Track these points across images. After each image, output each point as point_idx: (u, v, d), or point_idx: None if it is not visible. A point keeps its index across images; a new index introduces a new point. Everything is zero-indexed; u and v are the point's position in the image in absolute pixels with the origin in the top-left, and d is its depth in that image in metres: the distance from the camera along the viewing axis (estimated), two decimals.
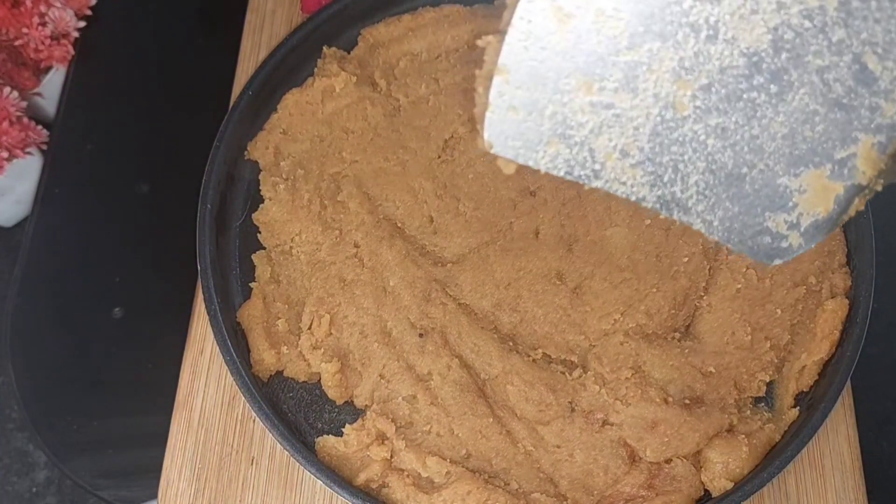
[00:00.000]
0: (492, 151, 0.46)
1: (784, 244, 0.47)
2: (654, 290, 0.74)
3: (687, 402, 0.71)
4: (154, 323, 0.83)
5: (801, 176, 0.45)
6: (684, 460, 0.69)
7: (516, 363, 0.72)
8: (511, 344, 0.73)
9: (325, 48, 0.86)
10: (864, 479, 0.72)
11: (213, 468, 0.74)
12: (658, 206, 0.47)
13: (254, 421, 0.75)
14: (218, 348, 0.72)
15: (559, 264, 0.75)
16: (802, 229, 0.47)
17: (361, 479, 0.69)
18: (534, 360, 0.72)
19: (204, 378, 0.77)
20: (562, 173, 0.46)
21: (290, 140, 0.83)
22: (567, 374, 0.72)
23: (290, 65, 0.84)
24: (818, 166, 0.45)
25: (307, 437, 0.73)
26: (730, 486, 0.67)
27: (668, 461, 0.69)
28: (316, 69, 0.85)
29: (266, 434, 0.73)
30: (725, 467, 0.68)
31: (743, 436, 0.69)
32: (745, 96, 0.43)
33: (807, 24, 0.42)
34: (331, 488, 0.67)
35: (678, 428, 0.69)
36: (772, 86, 0.43)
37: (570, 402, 0.71)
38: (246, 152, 0.83)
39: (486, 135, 0.46)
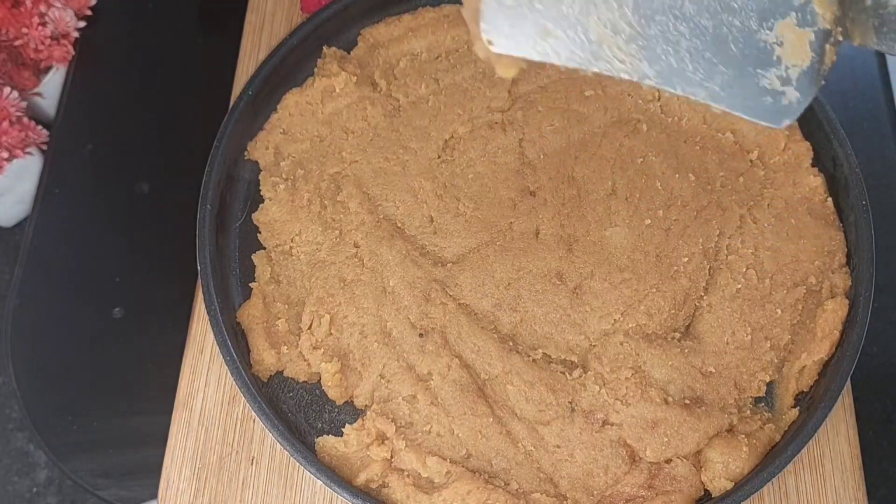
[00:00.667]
0: (493, 50, 0.47)
1: (784, 101, 0.51)
2: (654, 290, 0.74)
3: (687, 402, 0.71)
4: (154, 323, 0.83)
5: (774, 28, 0.50)
6: (684, 460, 0.69)
7: (516, 363, 0.72)
8: (511, 344, 0.73)
9: (325, 48, 0.86)
10: (864, 479, 0.72)
11: (213, 468, 0.74)
12: (660, 81, 0.48)
13: (254, 421, 0.75)
14: (218, 348, 0.72)
15: (559, 264, 0.75)
16: (795, 82, 0.51)
17: (361, 479, 0.69)
18: (534, 360, 0.72)
19: (204, 378, 0.77)
20: (563, 60, 0.47)
21: (290, 140, 0.83)
22: (567, 374, 0.72)
23: (290, 65, 0.84)
24: (784, 16, 0.50)
25: (307, 437, 0.73)
26: (730, 486, 0.67)
27: (668, 461, 0.69)
28: (316, 69, 0.85)
29: (266, 434, 0.73)
30: (725, 467, 0.68)
31: (743, 436, 0.69)
32: None
33: None
34: (331, 488, 0.67)
35: (678, 428, 0.69)
36: None
37: (570, 402, 0.71)
38: (246, 152, 0.83)
39: (483, 34, 0.46)
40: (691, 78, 0.49)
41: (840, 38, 0.52)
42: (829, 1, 0.51)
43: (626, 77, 0.48)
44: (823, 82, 0.51)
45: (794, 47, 0.51)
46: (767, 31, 0.50)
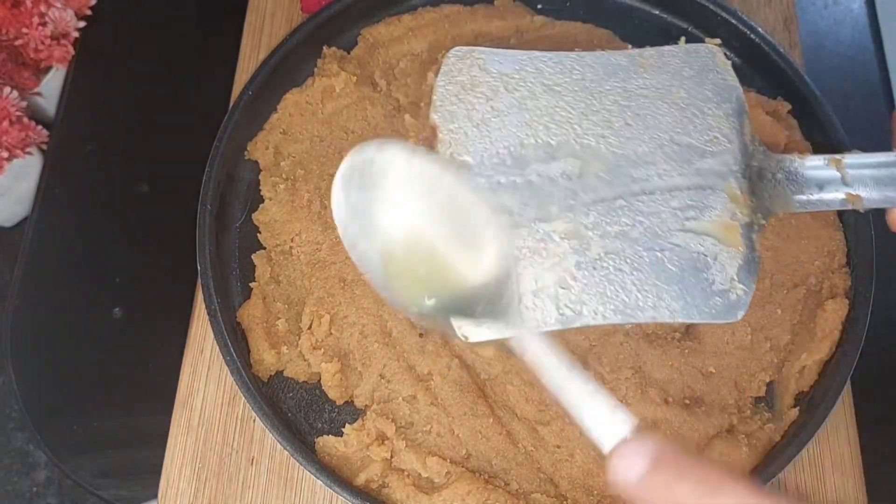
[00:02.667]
0: (470, 341, 0.52)
1: (733, 296, 0.55)
2: None
3: (687, 402, 0.71)
4: (154, 323, 0.83)
5: (701, 236, 0.54)
6: None
7: (516, 363, 0.72)
8: None
9: (325, 48, 0.86)
10: (864, 479, 0.72)
11: (213, 468, 0.74)
12: (621, 317, 0.54)
13: (254, 421, 0.75)
14: (218, 348, 0.72)
15: None
16: (736, 277, 0.55)
17: (361, 479, 0.69)
18: None
19: (204, 378, 0.77)
20: (533, 328, 0.53)
21: (290, 140, 0.83)
22: None
23: (290, 65, 0.84)
24: (705, 219, 0.55)
25: (307, 437, 0.73)
26: None
27: None
28: (316, 69, 0.85)
29: (266, 434, 0.73)
30: (725, 467, 0.68)
31: (743, 436, 0.69)
32: (620, 202, 0.55)
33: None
34: (331, 488, 0.67)
35: (678, 428, 0.69)
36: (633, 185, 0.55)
37: None
38: (246, 152, 0.83)
39: (458, 332, 0.52)
40: (645, 305, 0.54)
41: (763, 222, 0.56)
42: (742, 195, 0.55)
43: (593, 323, 0.53)
44: (759, 267, 0.55)
45: (725, 240, 0.55)
46: (697, 242, 0.54)
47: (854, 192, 0.56)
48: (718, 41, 0.67)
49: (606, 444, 0.42)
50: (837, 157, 0.58)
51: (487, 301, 0.48)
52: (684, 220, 0.54)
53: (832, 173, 0.57)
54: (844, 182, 0.57)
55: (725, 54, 0.62)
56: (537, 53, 0.61)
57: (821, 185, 0.57)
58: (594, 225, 0.54)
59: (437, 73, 0.61)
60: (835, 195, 0.57)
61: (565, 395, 0.45)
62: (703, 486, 0.38)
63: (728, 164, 0.56)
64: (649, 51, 0.62)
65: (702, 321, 0.54)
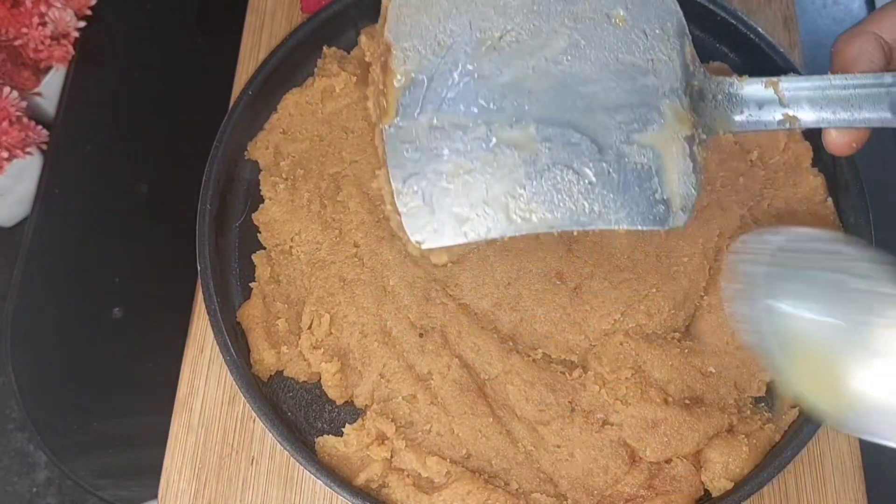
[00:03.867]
0: (423, 247, 0.57)
1: (676, 204, 0.57)
2: (655, 290, 0.74)
3: (687, 402, 0.71)
4: (154, 323, 0.83)
5: (645, 146, 0.57)
6: (684, 460, 0.69)
7: (516, 363, 0.72)
8: (511, 344, 0.73)
9: (325, 48, 0.86)
10: (864, 479, 0.72)
11: (213, 468, 0.74)
12: (569, 224, 0.57)
13: (254, 421, 0.75)
14: (218, 348, 0.72)
15: (559, 264, 0.75)
16: (678, 185, 0.57)
17: (361, 479, 0.69)
18: (534, 360, 0.72)
19: (204, 378, 0.77)
20: (483, 236, 0.57)
21: (290, 140, 0.83)
22: (567, 374, 0.72)
23: (290, 65, 0.84)
24: (647, 132, 0.57)
25: (307, 437, 0.73)
26: (730, 486, 0.67)
27: (668, 461, 0.69)
28: (316, 69, 0.85)
29: (266, 434, 0.73)
30: (725, 467, 0.68)
31: (743, 436, 0.69)
32: (568, 116, 0.58)
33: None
34: (331, 488, 0.67)
35: (678, 428, 0.69)
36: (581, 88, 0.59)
37: (570, 402, 0.71)
38: (246, 152, 0.83)
39: (413, 238, 0.57)
40: (591, 213, 0.57)
41: (704, 137, 0.59)
42: (683, 111, 0.58)
43: (543, 229, 0.56)
44: (702, 177, 0.58)
45: (666, 157, 0.57)
46: (641, 154, 0.57)
47: (791, 113, 0.59)
48: None
49: None
50: (774, 79, 0.60)
51: None
52: (629, 133, 0.57)
53: (770, 94, 0.60)
54: (781, 103, 0.59)
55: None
56: None
57: (759, 105, 0.60)
58: (543, 138, 0.57)
59: None
60: (772, 115, 0.60)
61: None
62: None
63: (670, 82, 0.59)
64: None
65: (645, 227, 0.57)
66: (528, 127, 0.57)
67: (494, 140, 0.57)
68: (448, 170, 0.57)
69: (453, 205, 0.57)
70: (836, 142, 0.59)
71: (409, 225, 0.57)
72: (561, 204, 0.56)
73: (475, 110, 0.58)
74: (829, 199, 0.78)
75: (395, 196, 0.58)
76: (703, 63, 0.84)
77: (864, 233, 0.74)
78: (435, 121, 0.58)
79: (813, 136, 0.80)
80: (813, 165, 0.80)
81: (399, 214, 0.57)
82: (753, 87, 0.60)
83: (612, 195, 0.57)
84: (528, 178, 0.57)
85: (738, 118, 0.60)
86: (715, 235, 0.76)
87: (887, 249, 0.74)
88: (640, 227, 0.57)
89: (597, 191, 0.57)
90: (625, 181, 0.57)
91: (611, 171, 0.57)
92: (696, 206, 0.58)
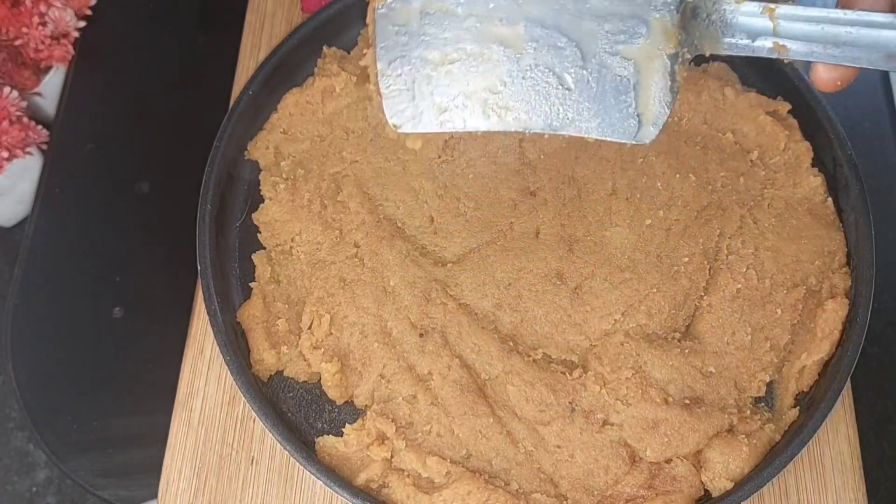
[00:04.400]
0: (400, 131, 0.59)
1: (648, 119, 0.58)
2: (655, 290, 0.74)
3: (687, 402, 0.71)
4: (154, 323, 0.83)
5: (627, 59, 0.57)
6: (684, 460, 0.69)
7: (516, 363, 0.72)
8: (511, 344, 0.73)
9: (325, 48, 0.86)
10: (864, 479, 0.72)
11: (213, 468, 0.74)
12: (543, 126, 0.58)
13: (254, 421, 0.75)
14: (218, 348, 0.72)
15: (559, 264, 0.75)
16: (652, 101, 0.58)
17: (361, 479, 0.69)
18: (534, 361, 0.72)
19: (204, 378, 0.77)
20: (459, 126, 0.58)
21: (290, 140, 0.83)
22: (567, 374, 0.72)
23: (290, 65, 0.84)
24: (632, 44, 0.58)
25: (307, 437, 0.73)
26: (730, 486, 0.67)
27: (669, 461, 0.69)
28: (316, 69, 0.85)
29: (266, 434, 0.73)
30: (725, 467, 0.68)
31: (743, 436, 0.69)
32: (558, 20, 0.58)
33: None
34: (331, 488, 0.67)
35: (678, 428, 0.69)
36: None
37: (571, 403, 0.71)
38: (246, 152, 0.83)
39: (390, 120, 0.59)
40: (564, 118, 0.58)
41: (688, 56, 0.58)
42: (672, 27, 0.58)
43: (516, 128, 0.58)
44: (677, 96, 0.58)
45: (645, 68, 0.58)
46: (622, 66, 0.58)
47: (781, 42, 0.58)
48: None
49: None
50: (772, 6, 0.59)
51: None
52: (614, 43, 0.57)
53: (764, 22, 0.59)
54: (775, 32, 0.58)
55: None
56: None
57: (751, 32, 0.59)
58: (530, 38, 0.58)
59: None
60: (763, 43, 0.59)
61: None
62: None
63: None
64: None
65: (614, 139, 0.58)
66: (516, 24, 0.58)
67: (483, 33, 0.58)
68: (433, 57, 0.58)
69: (434, 93, 0.58)
70: (822, 77, 0.58)
71: (389, 108, 0.58)
72: (537, 106, 0.58)
73: (468, 1, 0.58)
74: (829, 199, 0.78)
75: (378, 77, 0.58)
76: (703, 64, 0.85)
77: (864, 233, 0.74)
78: (427, 7, 0.58)
79: (813, 136, 0.80)
80: (813, 165, 0.80)
81: (380, 95, 0.58)
82: (749, 12, 0.59)
83: (587, 104, 0.57)
84: (509, 75, 0.57)
85: (727, 40, 0.59)
86: (715, 236, 0.76)
87: (887, 250, 0.75)
88: (608, 139, 0.58)
89: (573, 97, 0.57)
90: (602, 91, 0.57)
91: (590, 79, 0.58)
92: (666, 124, 0.58)
